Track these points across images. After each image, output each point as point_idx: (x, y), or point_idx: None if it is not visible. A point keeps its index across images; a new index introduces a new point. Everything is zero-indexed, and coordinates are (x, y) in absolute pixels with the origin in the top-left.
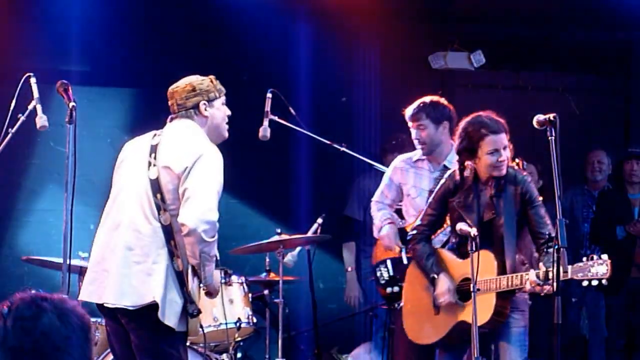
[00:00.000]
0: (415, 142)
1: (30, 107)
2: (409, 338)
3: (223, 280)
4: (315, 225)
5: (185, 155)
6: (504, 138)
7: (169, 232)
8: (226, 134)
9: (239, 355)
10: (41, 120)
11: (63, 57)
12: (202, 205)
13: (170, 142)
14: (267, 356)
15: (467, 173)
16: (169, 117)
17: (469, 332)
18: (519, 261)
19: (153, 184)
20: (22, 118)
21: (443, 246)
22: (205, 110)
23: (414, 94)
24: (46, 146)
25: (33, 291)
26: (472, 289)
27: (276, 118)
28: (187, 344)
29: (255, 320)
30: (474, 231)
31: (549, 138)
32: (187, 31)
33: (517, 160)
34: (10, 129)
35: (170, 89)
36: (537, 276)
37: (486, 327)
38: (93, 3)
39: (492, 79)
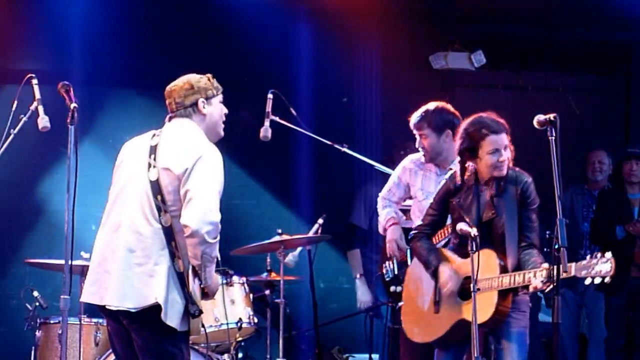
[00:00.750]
0: (419, 149)
1: (32, 108)
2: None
3: (224, 281)
4: (316, 226)
5: (185, 156)
6: (504, 138)
7: (170, 234)
8: (222, 133)
9: (240, 355)
10: (43, 121)
11: (65, 58)
12: (204, 207)
13: (169, 143)
14: (268, 356)
15: (468, 174)
16: (168, 116)
17: (469, 330)
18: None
19: (153, 185)
20: (24, 119)
21: (443, 247)
22: (204, 108)
23: (414, 94)
24: (48, 147)
25: (35, 292)
26: (472, 289)
27: (277, 119)
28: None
29: (256, 320)
30: (474, 231)
31: (550, 138)
32: (188, 32)
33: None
34: (12, 130)
35: (168, 87)
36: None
37: (487, 325)
38: (94, 4)
39: (493, 79)
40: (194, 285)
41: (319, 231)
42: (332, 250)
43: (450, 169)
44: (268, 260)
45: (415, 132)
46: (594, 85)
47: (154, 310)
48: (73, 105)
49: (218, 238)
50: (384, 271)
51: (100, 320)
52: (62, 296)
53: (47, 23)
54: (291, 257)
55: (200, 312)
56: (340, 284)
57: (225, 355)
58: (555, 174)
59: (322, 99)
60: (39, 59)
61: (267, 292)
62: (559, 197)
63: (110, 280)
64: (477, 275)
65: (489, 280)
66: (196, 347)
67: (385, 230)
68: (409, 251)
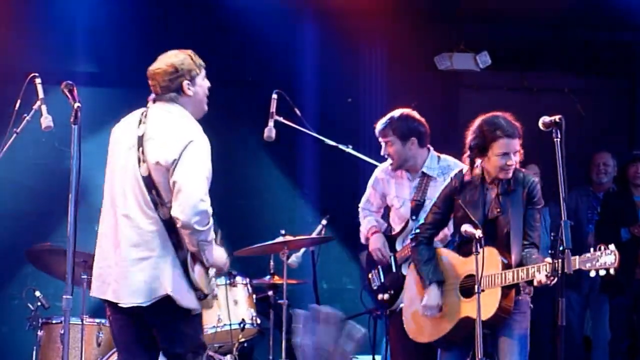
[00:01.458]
0: (385, 156)
1: (35, 107)
2: (410, 337)
3: (228, 282)
4: (319, 227)
5: (171, 147)
6: (516, 143)
7: (170, 226)
8: (206, 108)
9: (243, 356)
10: (46, 120)
11: (68, 57)
12: (191, 197)
13: (155, 134)
14: (270, 357)
15: (477, 171)
16: (152, 97)
17: (471, 328)
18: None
19: (146, 180)
20: (27, 118)
21: (445, 246)
22: (189, 89)
23: (419, 95)
24: (51, 147)
25: (37, 292)
26: (476, 290)
27: (281, 119)
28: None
29: (259, 321)
30: (478, 233)
31: (555, 139)
32: (193, 32)
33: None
34: (15, 129)
35: (151, 69)
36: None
37: (490, 323)
38: (98, 4)
39: (498, 80)
40: (193, 274)
41: (323, 232)
42: (335, 251)
43: (424, 173)
44: (271, 261)
45: (380, 139)
46: (600, 87)
47: (166, 299)
48: (76, 104)
49: (211, 222)
50: (371, 280)
51: (103, 321)
52: (64, 296)
53: (51, 22)
54: (294, 258)
55: (205, 295)
56: (344, 285)
57: (228, 356)
58: (560, 175)
59: (326, 100)
60: (43, 58)
61: (270, 293)
62: (563, 199)
63: (118, 277)
64: (481, 276)
65: (492, 277)
66: None
67: (367, 239)
68: (392, 258)
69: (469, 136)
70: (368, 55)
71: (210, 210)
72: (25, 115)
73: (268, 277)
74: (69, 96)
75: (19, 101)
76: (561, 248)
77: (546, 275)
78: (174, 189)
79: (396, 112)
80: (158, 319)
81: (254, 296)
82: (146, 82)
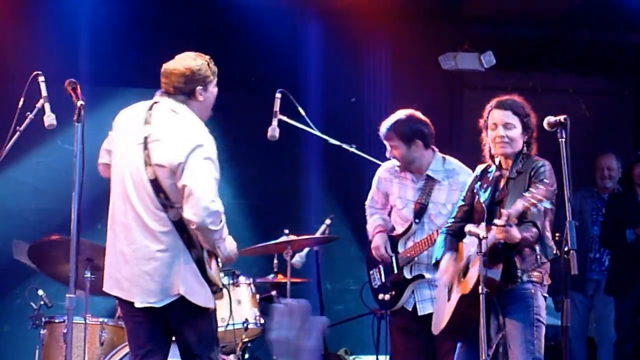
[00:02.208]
0: (390, 158)
1: (38, 105)
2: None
3: (231, 281)
4: (323, 226)
5: (177, 150)
6: (507, 115)
7: (180, 227)
8: (211, 113)
9: (246, 356)
10: (49, 119)
11: (72, 56)
12: (203, 200)
13: (160, 135)
14: (274, 357)
15: (485, 150)
16: (160, 92)
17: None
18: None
19: (153, 184)
20: (30, 117)
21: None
22: (200, 95)
23: (423, 94)
24: (54, 145)
25: (40, 291)
26: (480, 291)
27: (285, 118)
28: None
29: (262, 320)
30: (482, 233)
31: (560, 140)
32: (196, 31)
33: None
34: (18, 128)
35: (168, 68)
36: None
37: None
38: (102, 3)
39: (502, 80)
40: (210, 271)
41: (327, 232)
42: (339, 252)
43: (429, 176)
44: (275, 261)
45: (385, 142)
46: (604, 87)
47: (181, 299)
48: (80, 102)
49: (224, 220)
50: (372, 279)
51: (106, 320)
52: (67, 295)
53: (54, 21)
54: (298, 258)
55: (220, 288)
56: (347, 285)
57: (232, 356)
58: (565, 176)
59: (330, 99)
60: (46, 57)
61: (274, 292)
62: (568, 200)
63: (129, 276)
64: (485, 277)
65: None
66: None
67: (372, 236)
68: (394, 258)
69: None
70: (372, 54)
71: (222, 209)
72: (29, 113)
73: (272, 276)
74: (73, 94)
75: (22, 99)
76: (566, 249)
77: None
78: (183, 193)
79: (399, 114)
80: (173, 317)
81: (258, 296)
82: (149, 81)
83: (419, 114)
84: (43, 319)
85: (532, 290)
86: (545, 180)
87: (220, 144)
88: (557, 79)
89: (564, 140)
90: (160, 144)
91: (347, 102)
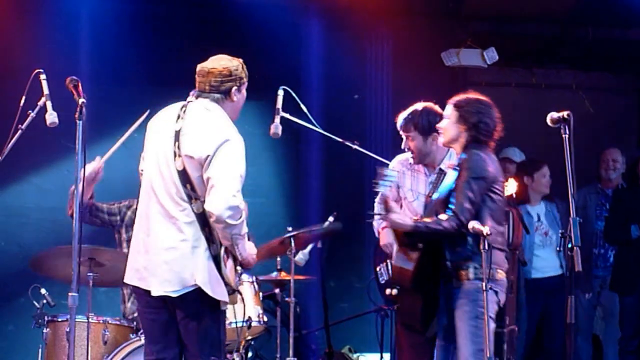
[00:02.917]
0: (406, 149)
1: (40, 103)
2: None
3: None
4: (326, 224)
5: (207, 143)
6: (446, 108)
7: (203, 220)
8: (237, 116)
9: (249, 354)
10: (51, 116)
11: (73, 53)
12: (225, 193)
13: (192, 129)
14: (277, 355)
15: None
16: (195, 92)
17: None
18: None
19: (181, 175)
20: (32, 114)
21: None
22: (235, 95)
23: (426, 91)
24: (56, 143)
25: (43, 290)
26: (484, 288)
27: (287, 115)
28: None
29: (266, 319)
30: (486, 230)
31: (563, 136)
32: (198, 29)
33: None
34: (20, 126)
35: (205, 67)
36: None
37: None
38: (104, 0)
39: (505, 76)
40: (226, 270)
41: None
42: (342, 249)
43: (442, 170)
44: (278, 258)
45: (401, 133)
46: (608, 83)
47: (197, 291)
48: (81, 100)
49: (243, 216)
50: (378, 274)
51: (109, 319)
52: (70, 293)
53: (56, 18)
54: (301, 256)
55: (234, 290)
56: (351, 282)
57: (235, 354)
58: (569, 172)
59: (333, 96)
60: (48, 55)
61: (277, 290)
62: (572, 196)
63: (148, 265)
64: (489, 273)
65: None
66: None
67: (379, 233)
68: None
69: None
70: (374, 51)
71: (242, 205)
72: (30, 111)
73: (275, 274)
74: (74, 92)
75: (24, 97)
76: (570, 245)
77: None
78: (207, 185)
79: (418, 106)
80: (186, 311)
81: (261, 294)
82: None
83: (437, 107)
84: (46, 318)
85: (481, 286)
86: (466, 176)
87: None
88: (560, 75)
89: (567, 136)
90: (191, 137)
91: (349, 99)
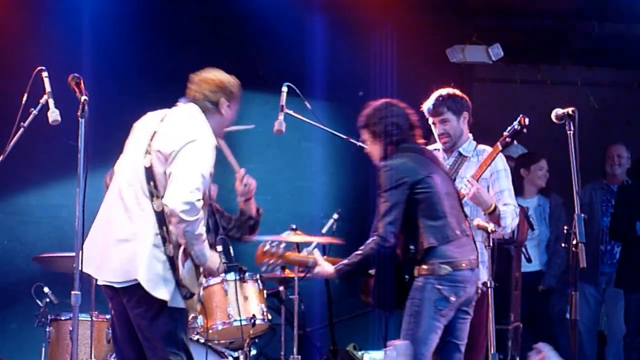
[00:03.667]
0: (439, 137)
1: (42, 101)
2: None
3: (237, 277)
4: (330, 221)
5: (175, 139)
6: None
7: (162, 219)
8: (222, 136)
9: (254, 352)
10: (53, 114)
11: (75, 51)
12: (182, 187)
13: (167, 128)
14: (282, 353)
15: None
16: (185, 100)
17: None
18: None
19: (147, 172)
20: (34, 112)
21: None
22: (224, 109)
23: (431, 88)
24: (58, 140)
25: (45, 288)
26: (489, 285)
27: (292, 112)
28: (202, 341)
29: (270, 316)
30: (491, 227)
31: (568, 132)
32: (202, 25)
33: None
34: (22, 124)
35: (200, 76)
36: None
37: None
38: None
39: (510, 72)
40: (183, 270)
41: (334, 226)
42: (346, 246)
43: (460, 153)
44: None
45: (433, 118)
46: (613, 80)
47: (141, 286)
48: (84, 97)
49: (199, 216)
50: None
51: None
52: (72, 292)
53: (57, 16)
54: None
55: (192, 294)
56: (355, 280)
57: (239, 352)
58: (574, 168)
59: (337, 93)
60: (50, 52)
61: (281, 288)
62: (577, 192)
63: (100, 253)
64: (494, 268)
65: None
66: (209, 343)
67: None
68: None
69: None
70: (379, 48)
71: (199, 204)
72: (32, 109)
73: (279, 271)
74: (76, 89)
75: (25, 95)
76: (575, 242)
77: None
78: (168, 179)
79: (442, 91)
80: (135, 308)
81: (265, 291)
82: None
83: (456, 91)
84: (49, 317)
85: (421, 283)
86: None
87: (226, 138)
88: (565, 71)
89: (572, 132)
90: (164, 134)
91: (354, 96)
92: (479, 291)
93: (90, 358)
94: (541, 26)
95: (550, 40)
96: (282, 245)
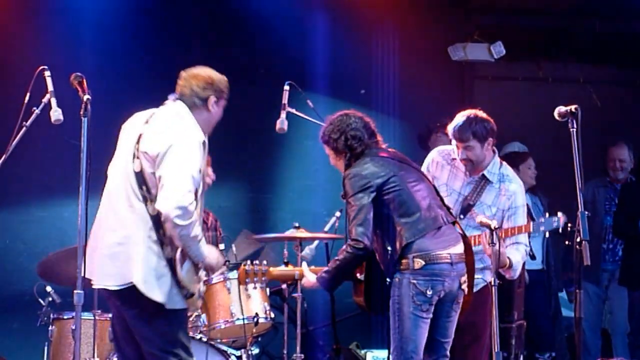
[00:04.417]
0: (461, 160)
1: (44, 100)
2: None
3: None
4: (333, 219)
5: (161, 141)
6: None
7: (158, 222)
8: (209, 132)
9: (256, 350)
10: (56, 114)
11: (78, 50)
12: (174, 192)
13: (153, 130)
14: (285, 351)
15: None
16: (174, 95)
17: None
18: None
19: (137, 176)
20: (36, 112)
21: None
22: (212, 107)
23: (433, 86)
24: (60, 140)
25: (48, 287)
26: (493, 283)
27: (294, 111)
28: (205, 339)
29: (273, 315)
30: (494, 224)
31: (571, 130)
32: (203, 23)
33: None
34: (24, 123)
35: (189, 72)
36: None
37: None
38: None
39: (512, 70)
40: (182, 272)
41: (337, 224)
42: None
43: (484, 176)
44: (285, 253)
45: (458, 144)
46: (615, 77)
47: (136, 289)
48: (86, 97)
49: (193, 219)
50: None
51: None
52: (75, 291)
53: (60, 15)
54: (308, 251)
55: (192, 294)
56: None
57: (242, 351)
58: (577, 166)
59: (339, 91)
60: (52, 51)
61: (284, 286)
62: (580, 190)
63: (96, 258)
64: (496, 267)
65: None
66: (212, 342)
67: None
68: None
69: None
70: (381, 46)
71: (192, 207)
72: (35, 108)
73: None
74: (79, 88)
75: (28, 94)
76: (578, 239)
77: None
78: (159, 183)
79: (470, 114)
80: (130, 309)
81: (268, 290)
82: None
83: (483, 113)
84: (51, 316)
85: (397, 279)
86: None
87: (228, 137)
88: (567, 69)
89: (574, 130)
90: (150, 135)
91: (356, 94)
92: (464, 289)
93: (93, 357)
94: (543, 24)
95: (551, 37)
96: (264, 262)
